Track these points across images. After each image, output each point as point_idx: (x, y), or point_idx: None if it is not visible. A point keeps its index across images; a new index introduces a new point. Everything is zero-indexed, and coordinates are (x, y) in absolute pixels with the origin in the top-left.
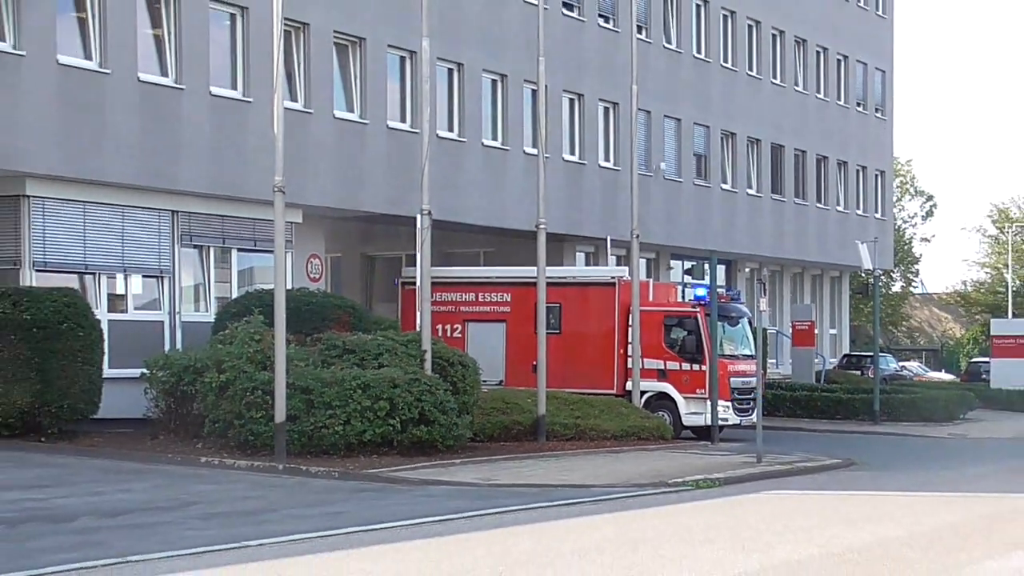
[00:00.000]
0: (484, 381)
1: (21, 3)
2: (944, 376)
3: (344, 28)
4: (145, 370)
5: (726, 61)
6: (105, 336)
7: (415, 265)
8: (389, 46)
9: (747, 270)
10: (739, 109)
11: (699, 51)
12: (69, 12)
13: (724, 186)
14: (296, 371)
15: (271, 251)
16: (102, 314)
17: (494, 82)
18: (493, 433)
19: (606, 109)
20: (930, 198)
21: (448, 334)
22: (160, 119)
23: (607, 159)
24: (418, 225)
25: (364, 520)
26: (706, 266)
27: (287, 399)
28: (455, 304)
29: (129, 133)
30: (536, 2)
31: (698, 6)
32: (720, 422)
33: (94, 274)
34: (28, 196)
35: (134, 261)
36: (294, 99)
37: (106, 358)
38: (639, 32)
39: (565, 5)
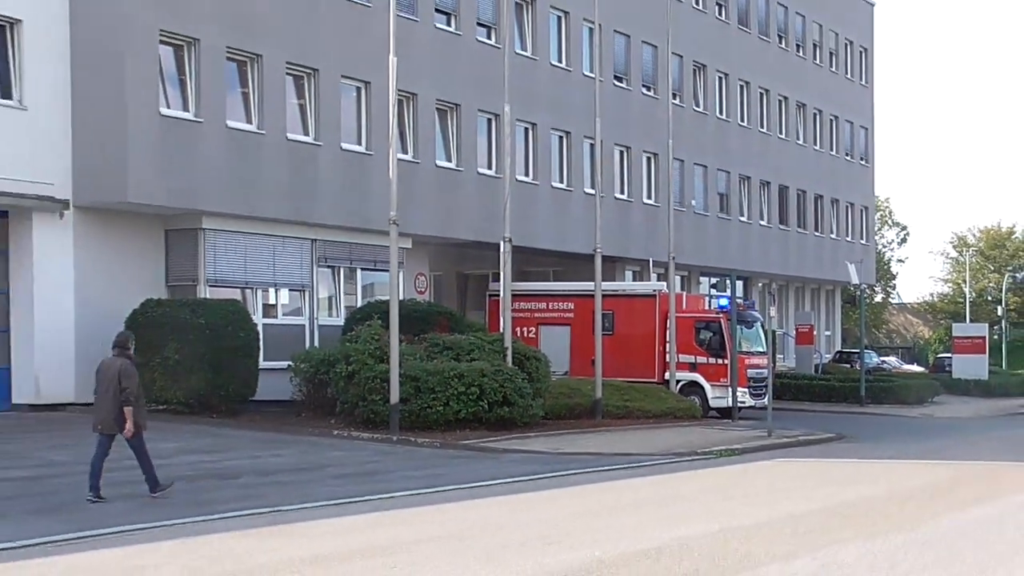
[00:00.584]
0: (553, 372)
1: (201, 83)
2: (916, 368)
3: (443, 96)
4: (291, 363)
5: (742, 120)
6: (260, 336)
7: (499, 281)
8: (479, 110)
9: (760, 285)
10: (753, 158)
11: (721, 113)
12: (235, 88)
13: (741, 218)
14: (406, 364)
15: (387, 270)
16: (258, 319)
17: (560, 138)
18: (560, 413)
19: (648, 158)
20: (904, 228)
21: (525, 335)
22: (302, 168)
23: (649, 197)
24: (501, 249)
25: (459, 480)
26: (727, 281)
27: (399, 385)
28: (530, 311)
29: (279, 179)
30: (593, 75)
31: (720, 78)
32: (739, 404)
33: (252, 288)
34: (204, 228)
35: (283, 278)
36: (405, 152)
37: (261, 353)
38: (674, 98)
39: (616, 78)
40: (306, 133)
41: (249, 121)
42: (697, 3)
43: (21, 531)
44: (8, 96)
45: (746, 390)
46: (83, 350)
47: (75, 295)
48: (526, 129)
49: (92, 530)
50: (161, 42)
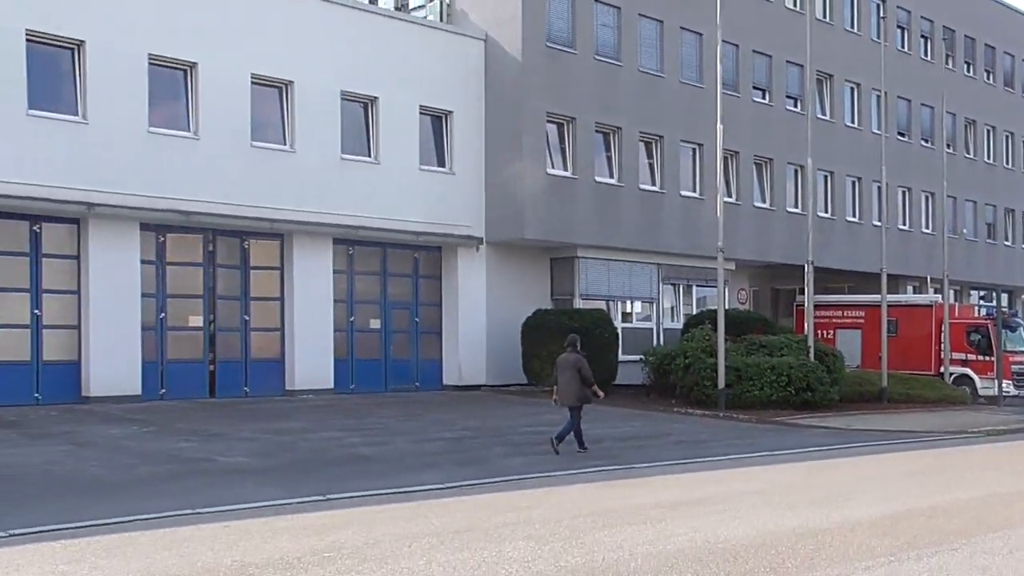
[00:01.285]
0: (847, 365)
1: (576, 150)
2: None
3: (759, 153)
4: (642, 356)
5: (1007, 163)
6: (619, 336)
7: (804, 294)
8: (787, 162)
9: (1022, 297)
10: (1016, 193)
11: (989, 158)
12: (601, 152)
13: (1006, 243)
14: (731, 357)
15: (715, 286)
16: (618, 323)
17: (853, 182)
18: (852, 398)
19: (926, 196)
20: None
21: (824, 336)
22: (651, 210)
23: (927, 227)
24: (806, 270)
25: (771, 447)
26: (994, 294)
27: (725, 374)
28: (828, 318)
29: (633, 219)
30: (879, 132)
31: (988, 131)
32: (1004, 393)
33: (614, 300)
34: (578, 257)
35: (636, 293)
36: (729, 196)
37: (620, 348)
38: (948, 147)
39: (899, 133)
40: (653, 183)
41: (611, 176)
42: (969, 71)
43: (451, 476)
44: (443, 165)
45: (1010, 382)
46: (492, 346)
47: (486, 306)
48: (825, 176)
49: (498, 477)
50: (548, 121)
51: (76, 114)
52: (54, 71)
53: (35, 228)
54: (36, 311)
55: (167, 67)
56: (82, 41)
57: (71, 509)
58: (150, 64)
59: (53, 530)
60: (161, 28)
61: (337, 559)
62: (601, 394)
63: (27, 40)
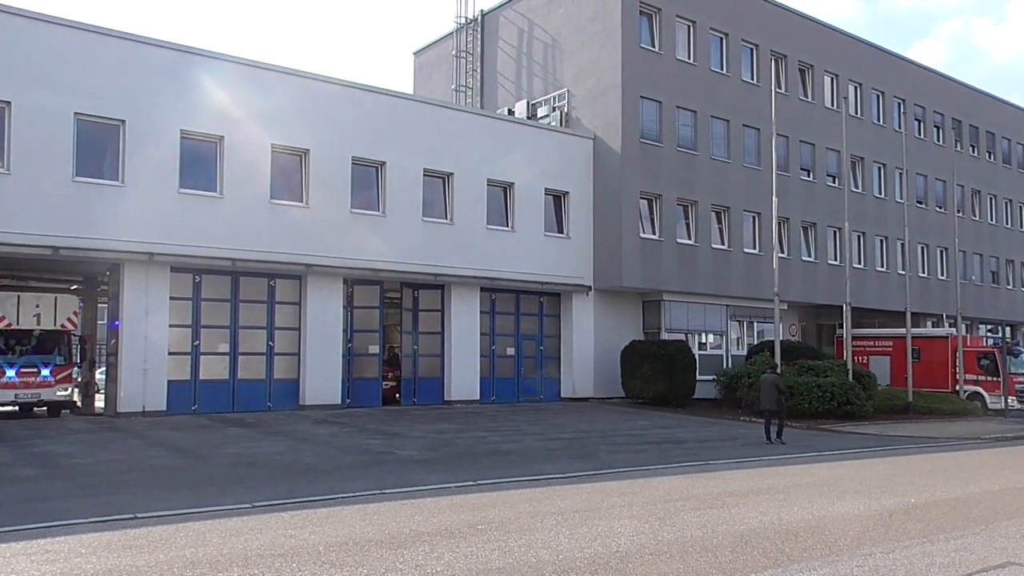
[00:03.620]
0: (879, 384)
1: (663, 218)
2: None
3: (805, 218)
4: (715, 376)
5: None
6: (697, 361)
7: (843, 328)
8: (827, 226)
9: (1022, 329)
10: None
11: None
12: (681, 219)
13: (1007, 287)
14: (785, 378)
15: (772, 322)
16: (696, 351)
17: (881, 240)
18: (884, 410)
19: (940, 251)
20: None
21: (860, 361)
22: (721, 264)
23: (942, 274)
24: (844, 309)
25: (819, 448)
26: (999, 327)
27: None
28: (863, 347)
29: (707, 271)
30: (902, 202)
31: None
32: (1009, 407)
33: (692, 333)
34: (663, 300)
35: (709, 327)
36: (783, 252)
37: (697, 370)
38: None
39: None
40: (723, 243)
41: (689, 238)
42: (973, 152)
43: (568, 468)
44: (562, 231)
45: (1014, 398)
46: (598, 367)
47: (594, 337)
48: (858, 236)
49: (605, 469)
50: (641, 197)
51: (301, 201)
52: (289, 170)
53: (271, 283)
54: (270, 343)
55: (365, 166)
56: (307, 150)
57: (294, 488)
58: (354, 164)
59: (284, 503)
60: (360, 136)
61: (487, 530)
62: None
63: (273, 151)
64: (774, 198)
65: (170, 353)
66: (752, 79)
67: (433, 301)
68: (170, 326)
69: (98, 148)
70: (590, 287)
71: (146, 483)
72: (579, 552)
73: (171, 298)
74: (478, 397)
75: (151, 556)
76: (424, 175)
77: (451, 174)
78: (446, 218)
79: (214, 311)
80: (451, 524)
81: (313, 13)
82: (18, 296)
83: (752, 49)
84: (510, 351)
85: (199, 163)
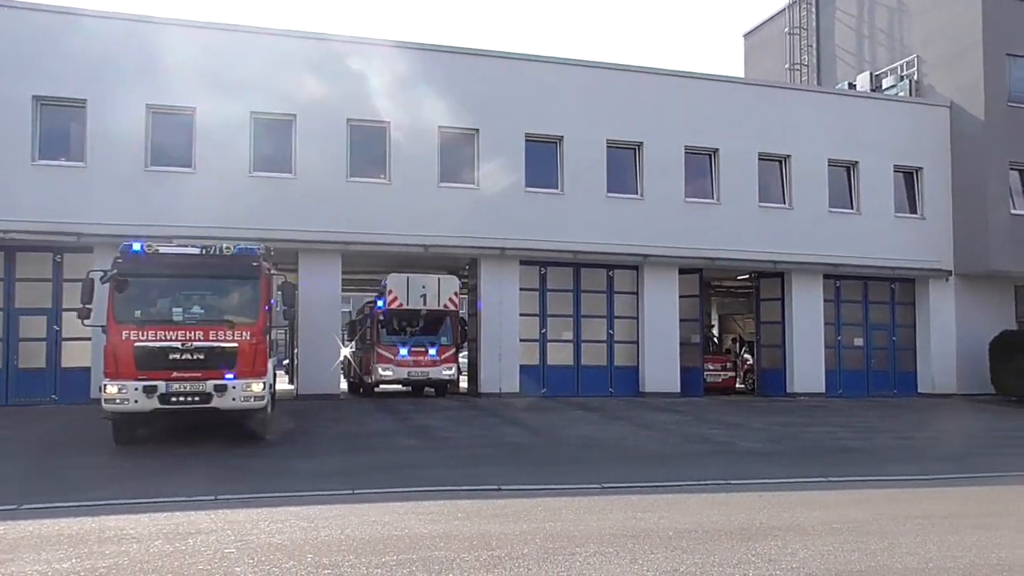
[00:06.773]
0: None
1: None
2: None
3: None
4: None
5: None
6: None
7: None
8: None
9: None
10: None
11: None
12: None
13: None
14: None
15: None
16: None
17: None
18: None
19: None
20: None
21: None
22: None
23: None
24: None
25: None
26: None
27: None
28: None
29: None
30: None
31: None
32: None
33: None
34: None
35: None
36: None
37: None
38: None
39: None
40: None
41: None
42: None
43: (926, 469)
44: (915, 212)
45: None
46: (962, 360)
47: (956, 327)
48: None
49: (971, 473)
50: (1010, 168)
51: (636, 193)
52: (624, 163)
53: (609, 273)
54: (610, 331)
55: (696, 154)
56: (640, 142)
57: (639, 472)
58: (686, 153)
59: (629, 487)
60: (618, 119)
61: (843, 530)
62: None
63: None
64: None
65: (521, 340)
66: None
67: (773, 290)
68: (520, 315)
69: (457, 156)
70: (950, 272)
71: (503, 458)
72: (951, 562)
73: (520, 289)
74: (823, 390)
75: (515, 526)
76: (759, 159)
77: (788, 156)
78: (784, 202)
79: (558, 301)
80: (803, 521)
81: (628, 7)
82: (407, 278)
83: None
84: (858, 342)
85: (541, 162)
